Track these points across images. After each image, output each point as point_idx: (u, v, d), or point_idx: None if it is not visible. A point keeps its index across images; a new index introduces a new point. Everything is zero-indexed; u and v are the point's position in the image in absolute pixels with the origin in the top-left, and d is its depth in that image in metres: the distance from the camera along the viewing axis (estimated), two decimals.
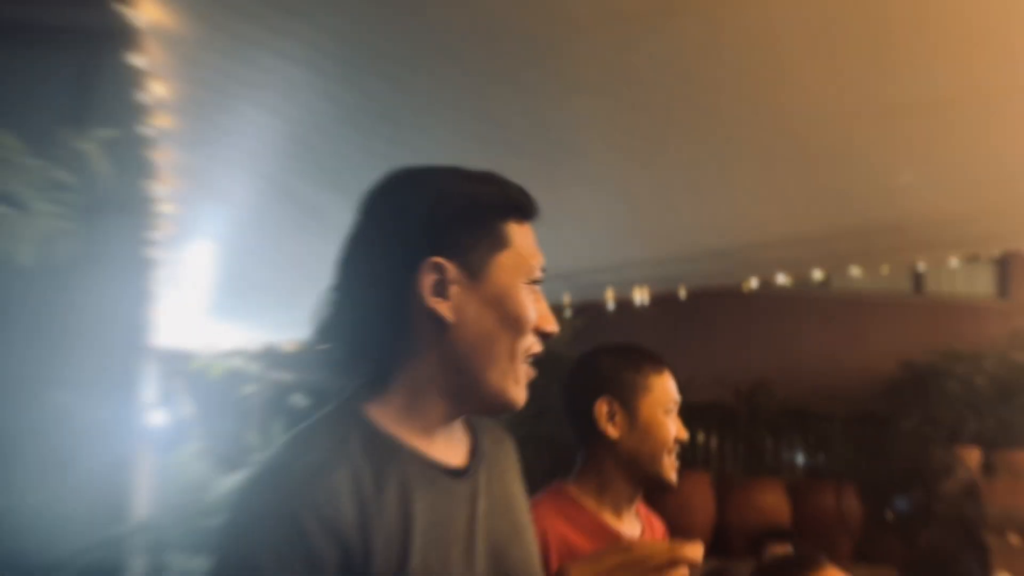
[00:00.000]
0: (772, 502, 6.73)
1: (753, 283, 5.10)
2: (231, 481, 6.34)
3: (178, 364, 6.52)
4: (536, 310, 1.13)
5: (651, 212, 3.85)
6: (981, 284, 8.70)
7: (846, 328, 8.24)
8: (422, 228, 1.09)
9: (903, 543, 5.95)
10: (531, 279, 1.14)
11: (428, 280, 1.08)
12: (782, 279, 4.82)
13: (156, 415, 6.29)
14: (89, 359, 6.32)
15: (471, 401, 1.13)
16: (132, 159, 3.54)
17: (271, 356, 6.81)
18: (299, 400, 6.96)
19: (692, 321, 7.42)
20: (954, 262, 5.83)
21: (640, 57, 2.61)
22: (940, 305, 8.49)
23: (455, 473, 1.12)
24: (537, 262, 1.14)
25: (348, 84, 3.01)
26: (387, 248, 1.11)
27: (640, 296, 5.06)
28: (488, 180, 1.15)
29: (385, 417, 1.10)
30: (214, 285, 5.29)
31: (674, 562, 1.03)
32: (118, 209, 3.91)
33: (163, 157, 3.52)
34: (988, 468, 6.54)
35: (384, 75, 2.92)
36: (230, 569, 0.99)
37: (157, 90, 2.99)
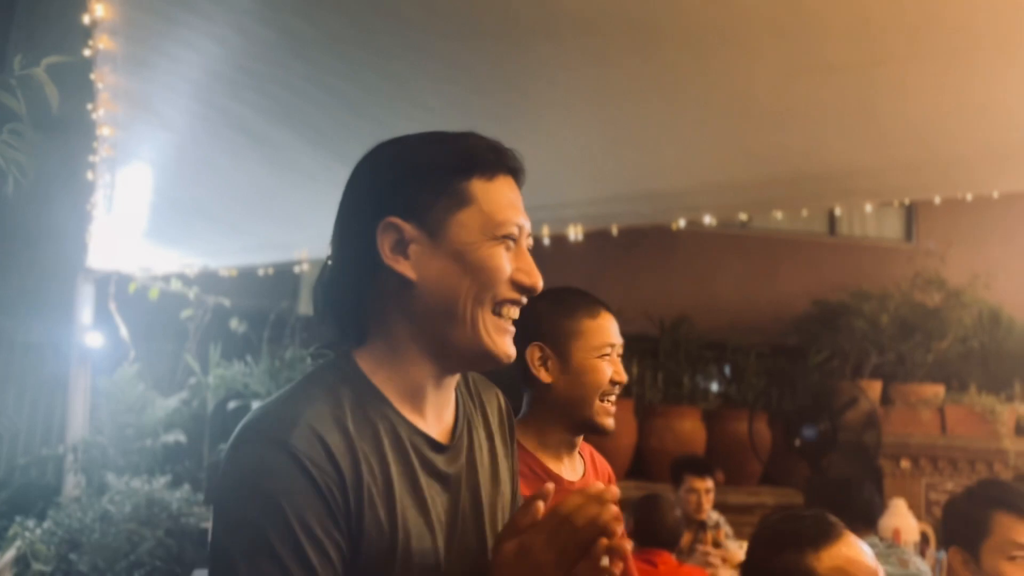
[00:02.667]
0: (689, 429, 6.98)
1: (681, 222, 5.21)
2: (169, 403, 6.30)
3: (116, 287, 6.38)
4: (513, 265, 1.11)
5: (590, 155, 3.89)
6: (890, 228, 9.00)
7: (763, 266, 8.44)
8: (379, 190, 1.09)
9: (808, 467, 6.27)
10: (501, 234, 1.09)
11: (387, 240, 1.07)
12: (708, 220, 4.93)
13: (93, 337, 6.17)
14: (26, 281, 6.15)
15: (453, 358, 1.12)
16: (72, 81, 3.41)
17: (209, 280, 6.70)
18: (236, 324, 6.89)
19: (621, 257, 7.54)
20: (867, 208, 6.04)
21: (591, 10, 2.61)
22: (851, 247, 8.77)
23: (436, 445, 1.11)
24: (508, 217, 1.10)
25: (297, 14, 2.93)
26: (355, 211, 1.11)
27: (574, 232, 5.12)
28: (454, 140, 1.12)
29: (377, 375, 1.10)
30: (153, 209, 5.17)
31: (603, 502, 1.02)
32: (56, 131, 3.77)
33: (104, 80, 3.40)
34: (886, 400, 6.87)
35: (335, 6, 2.86)
36: (231, 508, 1.00)
37: (99, 12, 2.87)
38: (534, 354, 1.69)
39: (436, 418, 1.14)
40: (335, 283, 1.12)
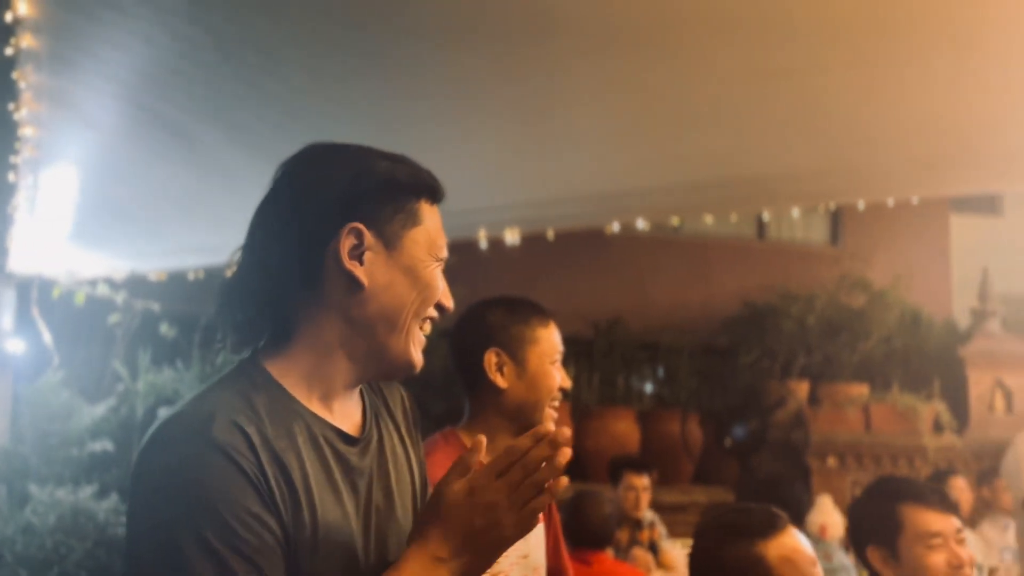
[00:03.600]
0: (624, 430, 7.05)
1: (615, 226, 5.26)
2: (95, 410, 6.12)
3: (39, 292, 6.16)
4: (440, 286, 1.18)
5: (526, 159, 3.90)
6: (816, 232, 9.24)
7: (695, 269, 8.59)
8: (345, 196, 1.11)
9: (738, 466, 6.40)
10: (439, 256, 1.17)
11: (347, 244, 1.10)
12: (642, 224, 4.99)
13: (14, 343, 5.95)
14: None
15: (375, 364, 1.16)
16: None
17: (138, 284, 6.52)
18: (166, 329, 6.73)
19: (558, 260, 7.57)
20: (795, 212, 6.20)
21: (526, 13, 2.62)
22: (779, 250, 8.98)
23: (348, 438, 1.14)
24: (444, 242, 1.18)
25: (226, 14, 2.88)
26: (307, 213, 1.11)
27: (511, 236, 5.13)
28: (404, 161, 1.17)
29: (288, 378, 1.11)
30: (78, 211, 5.01)
31: (555, 445, 1.02)
32: None
33: (27, 79, 3.29)
34: (814, 399, 7.05)
35: (264, 7, 2.81)
36: (158, 507, 0.99)
37: (22, 10, 2.78)
38: (491, 359, 1.74)
39: (346, 415, 1.17)
40: (265, 281, 1.12)
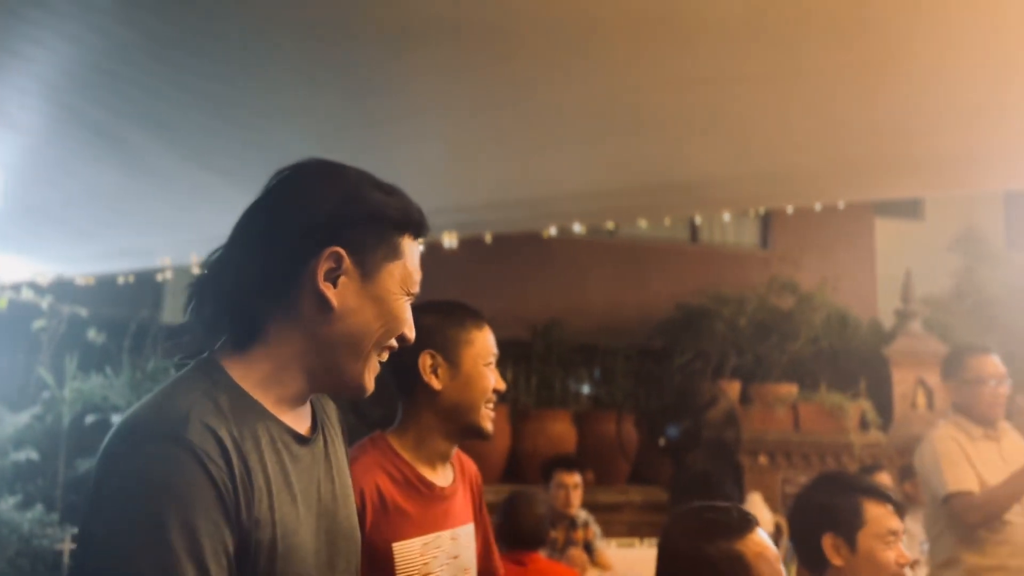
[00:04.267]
0: (560, 431, 7.10)
1: (552, 230, 5.31)
2: (19, 418, 5.92)
3: None
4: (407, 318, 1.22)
5: (463, 162, 3.91)
6: (747, 236, 9.45)
7: (630, 272, 8.70)
8: (333, 220, 1.14)
9: (673, 465, 6.49)
10: (412, 291, 1.22)
11: (325, 266, 1.14)
12: (578, 228, 5.05)
13: None
14: None
15: (329, 383, 1.20)
16: None
17: (64, 289, 6.33)
18: (94, 335, 6.55)
19: (495, 263, 7.60)
20: (726, 216, 6.33)
21: (462, 21, 2.63)
22: (712, 254, 9.15)
23: (302, 439, 1.18)
24: (417, 278, 1.22)
25: (156, 13, 2.82)
26: (293, 228, 1.14)
27: (449, 240, 5.14)
28: (395, 194, 1.20)
29: (246, 380, 1.14)
30: (2, 215, 4.85)
31: None
32: None
33: None
34: (745, 399, 7.20)
35: (196, 5, 2.77)
36: (105, 512, 1.00)
37: None
38: (425, 361, 1.75)
39: (299, 418, 1.21)
40: (239, 285, 1.14)
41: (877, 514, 2.03)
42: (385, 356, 1.23)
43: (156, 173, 4.09)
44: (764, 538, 1.58)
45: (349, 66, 3.07)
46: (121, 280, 6.25)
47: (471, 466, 1.93)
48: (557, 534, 4.43)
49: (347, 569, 1.22)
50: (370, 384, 1.21)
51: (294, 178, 1.19)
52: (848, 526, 2.03)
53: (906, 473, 5.42)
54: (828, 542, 2.04)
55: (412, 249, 1.22)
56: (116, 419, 6.17)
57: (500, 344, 1.87)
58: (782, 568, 1.57)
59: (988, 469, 3.11)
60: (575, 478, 4.57)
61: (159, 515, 0.98)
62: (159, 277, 6.26)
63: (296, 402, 1.19)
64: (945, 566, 3.11)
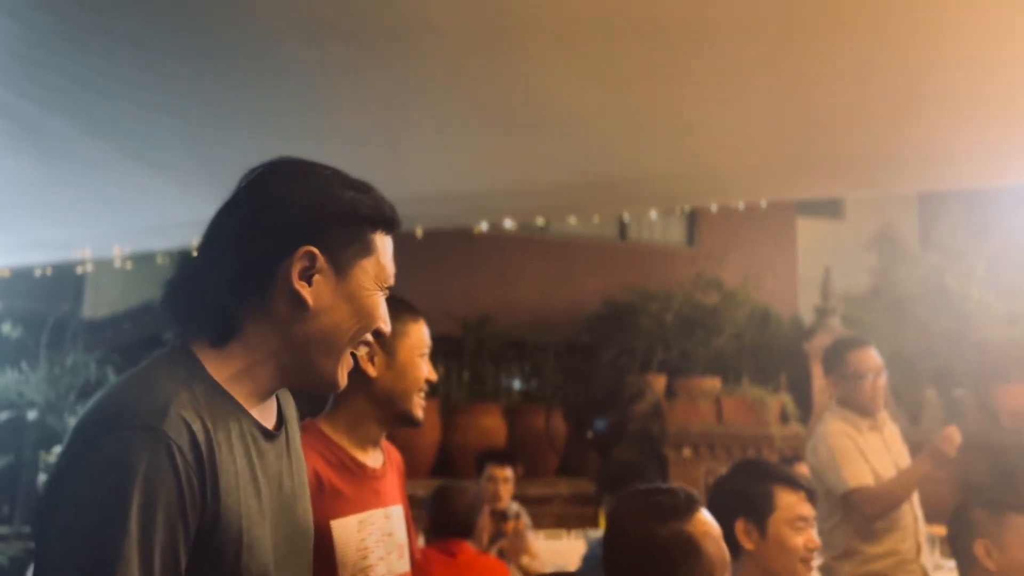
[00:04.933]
0: (491, 425, 7.13)
1: (483, 226, 5.32)
2: None
3: None
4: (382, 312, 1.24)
5: (393, 157, 3.89)
6: (674, 233, 9.61)
7: (560, 269, 8.77)
8: (305, 219, 1.16)
9: (599, 457, 6.58)
10: (384, 286, 1.24)
11: (299, 265, 1.16)
12: (509, 224, 5.07)
13: None
14: None
15: (301, 378, 1.22)
16: None
17: None
18: (9, 329, 6.32)
19: (426, 259, 7.58)
20: (653, 214, 6.43)
21: (393, 13, 2.62)
22: (639, 251, 9.28)
23: (268, 434, 1.21)
24: (392, 273, 1.25)
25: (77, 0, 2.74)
26: (266, 227, 1.16)
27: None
28: (367, 191, 1.23)
29: (220, 374, 1.16)
30: None
31: None
32: None
33: None
34: (670, 392, 7.33)
35: None
36: (73, 489, 1.01)
37: None
38: (362, 350, 1.77)
39: (266, 412, 1.23)
40: (214, 284, 1.16)
41: (788, 501, 2.10)
42: (361, 351, 1.25)
43: (77, 162, 3.97)
44: (708, 517, 1.65)
45: (274, 58, 3.03)
46: (39, 272, 6.03)
47: (396, 454, 2.01)
48: (487, 526, 4.46)
49: (301, 563, 1.25)
50: (343, 379, 1.23)
51: (266, 178, 1.20)
52: (759, 512, 2.10)
53: None
54: (740, 527, 2.10)
55: (385, 244, 1.24)
56: (31, 415, 5.98)
57: (432, 339, 1.92)
58: (725, 545, 1.64)
59: (877, 460, 3.23)
60: (506, 471, 4.61)
61: (124, 501, 1.00)
62: (79, 270, 6.07)
63: (265, 396, 1.21)
64: (842, 557, 3.20)
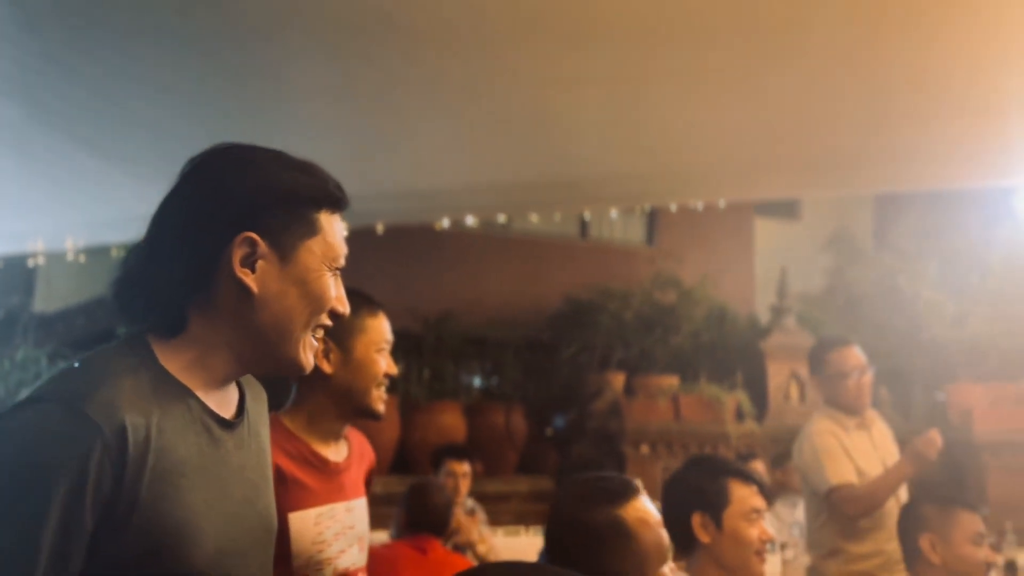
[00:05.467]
0: (450, 422, 7.10)
1: (445, 223, 5.30)
2: None
3: None
4: (334, 293, 1.21)
5: (354, 151, 3.86)
6: (634, 233, 9.67)
7: (522, 266, 8.77)
8: (242, 205, 1.14)
9: (558, 455, 6.60)
10: (334, 266, 1.20)
11: (240, 252, 1.14)
12: (471, 221, 5.06)
13: None
14: None
15: (265, 365, 1.21)
16: None
17: None
18: None
19: (388, 255, 7.52)
20: (614, 213, 6.47)
21: (357, 8, 2.60)
22: (600, 249, 9.32)
23: (227, 424, 1.19)
24: (341, 251, 1.21)
25: None
26: (205, 216, 1.14)
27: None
28: (309, 171, 1.20)
29: (172, 364, 1.15)
30: None
31: None
32: None
33: None
34: (629, 390, 7.37)
35: None
36: (9, 470, 1.01)
37: None
38: (319, 347, 1.77)
39: (225, 400, 1.22)
40: (159, 277, 1.14)
41: (742, 494, 2.14)
42: (320, 333, 1.23)
43: (28, 153, 3.88)
44: (646, 504, 1.67)
45: (232, 48, 2.99)
46: None
47: (371, 453, 2.02)
48: None
49: (263, 556, 1.24)
50: (306, 360, 1.21)
51: (204, 165, 1.18)
52: (715, 505, 2.13)
53: (778, 461, 5.69)
54: (696, 520, 2.13)
55: (332, 223, 1.20)
56: None
57: (393, 336, 1.90)
58: (664, 532, 1.66)
59: (864, 458, 3.23)
60: (464, 467, 4.61)
61: (22, 470, 1.00)
62: (31, 262, 5.92)
63: (222, 384, 1.20)
64: (828, 556, 3.22)
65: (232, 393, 1.24)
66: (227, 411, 1.21)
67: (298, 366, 1.21)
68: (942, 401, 7.29)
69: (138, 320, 1.17)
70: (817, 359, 3.42)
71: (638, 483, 1.70)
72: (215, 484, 1.15)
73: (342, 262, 1.22)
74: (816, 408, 3.45)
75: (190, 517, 1.09)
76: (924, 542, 2.51)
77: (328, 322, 1.22)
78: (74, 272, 6.59)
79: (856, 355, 3.35)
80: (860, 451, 3.25)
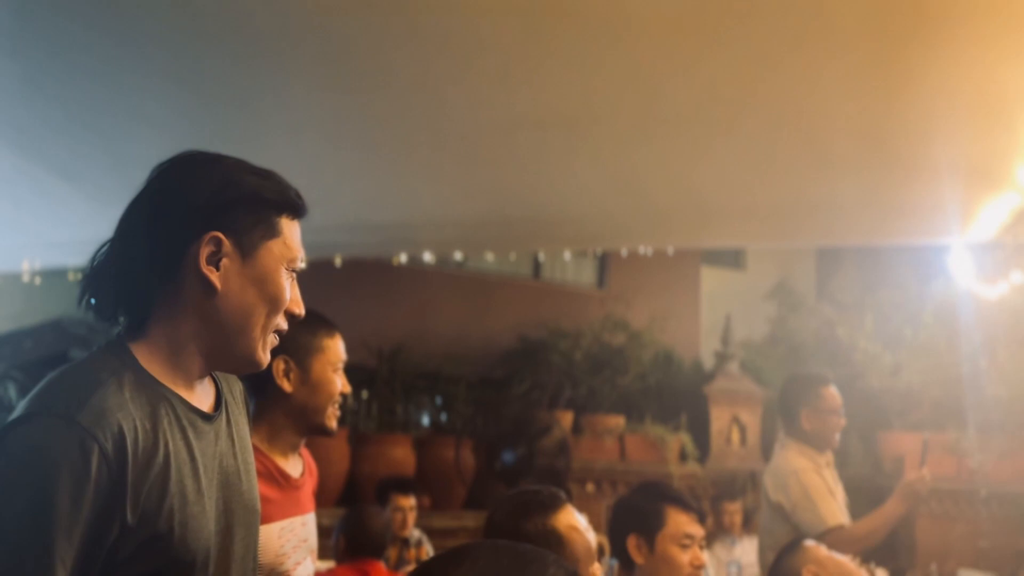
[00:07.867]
0: (400, 455, 7.03)
1: (402, 258, 5.32)
2: None
3: None
4: (291, 294, 1.27)
5: (315, 182, 3.86)
6: (585, 274, 9.76)
7: (475, 303, 8.79)
8: (210, 205, 1.19)
9: (506, 490, 6.55)
10: (292, 268, 1.26)
11: (205, 250, 1.18)
12: (428, 257, 5.09)
13: None
14: None
15: (224, 360, 1.26)
16: None
17: None
18: None
19: (343, 287, 7.48)
20: (567, 255, 6.55)
21: (314, 38, 2.63)
22: (552, 290, 9.38)
23: (206, 416, 1.24)
24: (299, 255, 1.27)
25: None
26: (172, 217, 1.19)
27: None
28: (271, 177, 1.26)
29: (151, 363, 1.19)
30: None
31: None
32: None
33: None
34: (577, 428, 7.39)
35: None
36: (13, 489, 1.03)
37: None
38: (279, 366, 1.86)
39: (203, 396, 1.27)
40: (128, 277, 1.19)
41: (677, 520, 2.17)
42: (275, 340, 1.27)
43: None
44: (574, 515, 1.75)
45: (199, 80, 2.99)
46: None
47: (312, 462, 2.07)
48: (391, 553, 4.39)
49: (245, 540, 1.28)
50: (263, 357, 1.25)
51: (172, 169, 1.23)
52: (649, 528, 2.17)
53: (716, 502, 5.75)
54: (632, 542, 2.18)
55: (291, 228, 1.26)
56: None
57: (344, 369, 1.96)
58: (592, 537, 1.74)
59: (837, 497, 3.19)
60: (410, 500, 4.58)
61: (29, 486, 1.03)
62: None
63: (196, 379, 1.25)
64: None
65: (208, 387, 1.30)
66: (206, 404, 1.26)
67: (255, 362, 1.25)
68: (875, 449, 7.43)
69: (106, 314, 1.20)
70: (813, 392, 3.28)
71: (564, 494, 1.79)
72: (204, 473, 1.20)
73: (300, 265, 1.27)
74: (782, 445, 3.31)
75: (186, 507, 1.14)
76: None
77: (284, 325, 1.28)
78: (26, 293, 6.44)
79: (838, 394, 3.29)
80: (834, 489, 3.21)
